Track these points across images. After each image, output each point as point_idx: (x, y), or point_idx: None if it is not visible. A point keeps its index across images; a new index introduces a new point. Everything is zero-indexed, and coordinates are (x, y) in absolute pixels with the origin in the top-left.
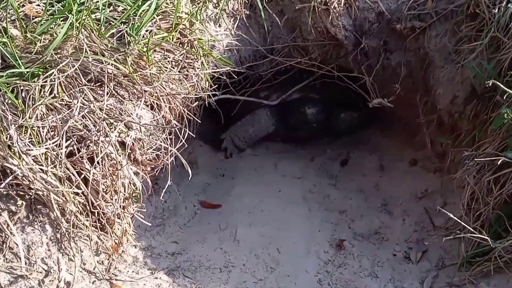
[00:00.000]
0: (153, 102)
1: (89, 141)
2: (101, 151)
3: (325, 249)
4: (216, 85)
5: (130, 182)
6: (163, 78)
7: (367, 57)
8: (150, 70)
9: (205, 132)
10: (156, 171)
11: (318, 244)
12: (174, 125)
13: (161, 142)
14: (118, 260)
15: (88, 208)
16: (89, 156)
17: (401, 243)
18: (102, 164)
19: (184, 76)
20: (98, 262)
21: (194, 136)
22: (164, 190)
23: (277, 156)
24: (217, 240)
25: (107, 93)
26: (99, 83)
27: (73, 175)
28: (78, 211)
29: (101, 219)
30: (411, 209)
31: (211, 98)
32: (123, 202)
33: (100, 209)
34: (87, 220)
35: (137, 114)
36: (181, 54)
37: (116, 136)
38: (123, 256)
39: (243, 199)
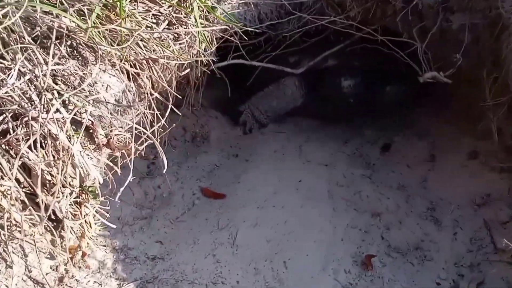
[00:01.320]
0: (130, 68)
1: (26, 118)
2: (42, 130)
3: (346, 268)
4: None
5: (85, 172)
6: (136, 36)
7: (420, 18)
8: (121, 24)
9: (222, 101)
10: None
11: (339, 260)
12: (151, 99)
13: (130, 121)
14: (79, 266)
15: (32, 203)
16: (28, 137)
17: (449, 267)
18: (46, 148)
19: (174, 35)
20: (52, 269)
21: (203, 106)
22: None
23: (304, 135)
24: (211, 243)
25: (57, 54)
26: (58, 41)
27: (7, 161)
28: (15, 205)
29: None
30: (466, 219)
31: (213, 64)
32: (76, 197)
33: (44, 204)
34: (31, 218)
35: (102, 84)
36: (170, 6)
37: (67, 112)
38: (86, 261)
39: (253, 189)
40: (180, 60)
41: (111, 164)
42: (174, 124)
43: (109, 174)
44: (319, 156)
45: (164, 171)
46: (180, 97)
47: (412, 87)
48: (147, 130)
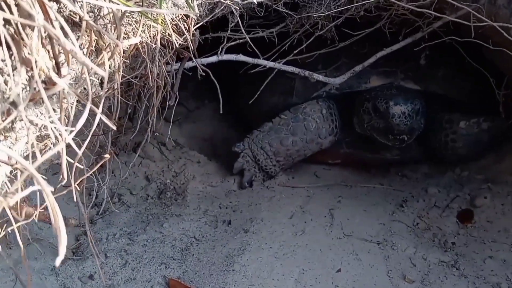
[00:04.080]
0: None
1: None
2: None
3: None
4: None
5: None
6: None
7: None
8: None
9: (209, 135)
10: None
11: None
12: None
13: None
14: None
15: None
16: None
17: None
18: None
19: None
20: None
21: (178, 145)
22: None
23: (335, 192)
24: None
25: None
26: None
27: None
28: None
29: None
30: None
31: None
32: None
33: None
34: None
35: None
36: None
37: None
38: None
39: (257, 283)
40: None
41: None
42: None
43: None
44: (364, 227)
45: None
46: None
47: (501, 121)
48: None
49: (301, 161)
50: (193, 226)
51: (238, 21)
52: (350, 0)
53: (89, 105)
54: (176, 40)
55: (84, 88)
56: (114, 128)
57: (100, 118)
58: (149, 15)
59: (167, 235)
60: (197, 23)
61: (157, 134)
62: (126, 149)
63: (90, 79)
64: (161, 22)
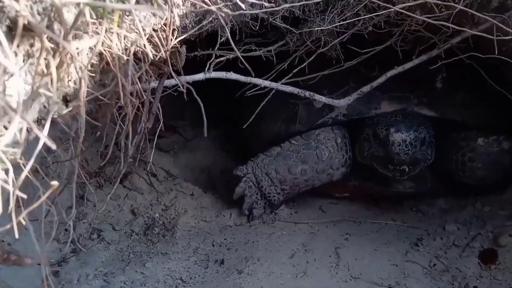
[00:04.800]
0: None
1: None
2: None
3: None
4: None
5: None
6: None
7: None
8: None
9: (204, 163)
10: None
11: None
12: None
13: None
14: None
15: None
16: None
17: None
18: None
19: None
20: None
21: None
22: None
23: (341, 229)
24: None
25: None
26: None
27: None
28: None
29: None
30: None
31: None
32: None
33: None
34: None
35: None
36: None
37: None
38: None
39: None
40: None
41: None
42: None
43: None
44: (374, 269)
45: None
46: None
47: None
48: None
49: (305, 193)
50: (181, 266)
51: (228, 36)
52: (356, 14)
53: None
54: (152, 52)
55: (44, 106)
56: (54, 147)
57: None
58: (109, 15)
59: (149, 277)
60: (181, 35)
61: (148, 163)
62: (113, 180)
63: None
64: (118, 22)
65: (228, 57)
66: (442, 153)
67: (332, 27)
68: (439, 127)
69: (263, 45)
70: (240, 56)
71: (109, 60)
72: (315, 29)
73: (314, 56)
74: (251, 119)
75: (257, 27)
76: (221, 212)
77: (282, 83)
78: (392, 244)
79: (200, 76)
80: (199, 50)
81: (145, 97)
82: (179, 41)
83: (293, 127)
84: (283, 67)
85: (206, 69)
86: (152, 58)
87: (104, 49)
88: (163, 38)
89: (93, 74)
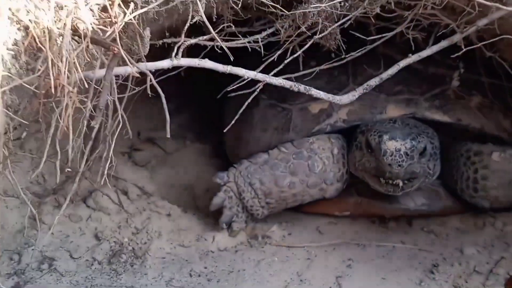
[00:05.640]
0: None
1: None
2: None
3: None
4: None
5: None
6: None
7: None
8: None
9: (187, 179)
10: None
11: None
12: None
13: None
14: None
15: None
16: None
17: None
18: None
19: None
20: None
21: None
22: None
23: (343, 253)
24: None
25: None
26: None
27: None
28: None
29: None
30: None
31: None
32: None
33: None
34: None
35: None
36: None
37: None
38: None
39: None
40: None
41: None
42: None
43: None
44: None
45: None
46: None
47: None
48: None
49: (299, 211)
50: None
51: (202, 15)
52: None
53: None
54: (95, 26)
55: None
56: None
57: None
58: None
59: None
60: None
61: (121, 179)
62: (76, 198)
63: None
64: None
65: (204, 43)
66: (449, 169)
67: (332, 3)
68: (447, 137)
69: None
70: (220, 41)
71: (36, 36)
72: (310, 9)
73: (310, 43)
74: (231, 124)
75: (240, 5)
76: (203, 235)
77: (272, 75)
78: (403, 272)
79: (165, 64)
80: (167, 35)
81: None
82: (142, 23)
83: (286, 136)
84: (273, 58)
85: (174, 54)
86: (99, 36)
87: (29, 20)
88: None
89: (16, 54)
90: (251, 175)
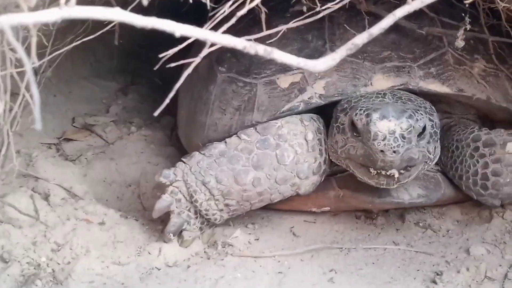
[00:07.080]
0: None
1: None
2: None
3: None
4: None
5: None
6: None
7: None
8: None
9: (131, 175)
10: None
11: None
12: None
13: None
14: None
15: None
16: None
17: None
18: None
19: None
20: None
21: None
22: None
23: (323, 264)
24: None
25: None
26: None
27: None
28: None
29: None
30: None
31: None
32: None
33: None
34: None
35: None
36: None
37: None
38: None
39: None
40: None
41: None
42: None
43: None
44: None
45: None
46: None
47: None
48: None
49: (270, 208)
50: None
51: None
52: None
53: None
54: None
55: None
56: None
57: None
58: None
59: None
60: None
61: (42, 179)
62: None
63: None
64: None
65: None
66: (447, 158)
67: None
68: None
69: None
70: None
71: None
72: None
73: None
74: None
75: None
76: (146, 247)
77: (221, 33)
78: (399, 283)
79: (55, 15)
80: None
81: None
82: None
83: (250, 118)
84: (224, 12)
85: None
86: None
87: None
88: None
89: None
90: (204, 171)
